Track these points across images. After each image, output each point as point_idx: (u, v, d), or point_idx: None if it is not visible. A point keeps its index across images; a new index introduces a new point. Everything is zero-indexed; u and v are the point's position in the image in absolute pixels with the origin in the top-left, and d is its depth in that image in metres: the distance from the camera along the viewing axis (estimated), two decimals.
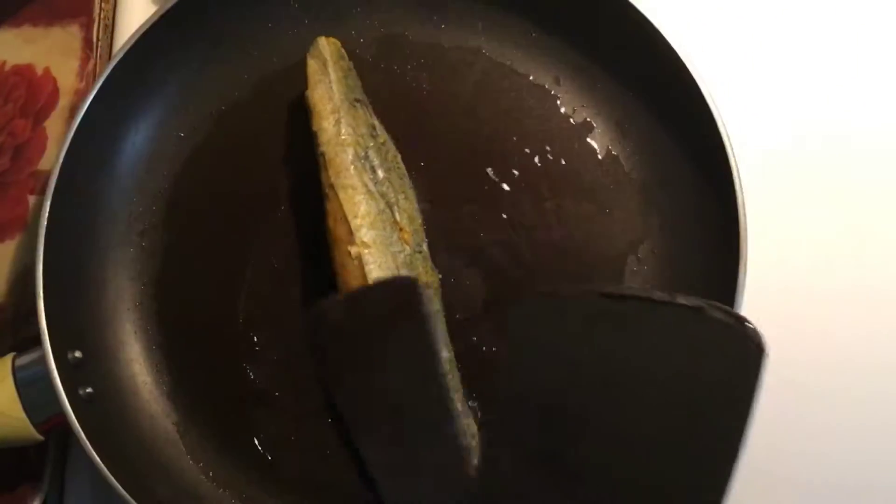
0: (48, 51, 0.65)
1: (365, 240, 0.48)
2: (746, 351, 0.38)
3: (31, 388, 0.51)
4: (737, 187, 0.51)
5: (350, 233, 0.49)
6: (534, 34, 0.59)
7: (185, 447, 0.55)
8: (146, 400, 0.56)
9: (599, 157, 0.58)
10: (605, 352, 0.41)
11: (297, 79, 0.55)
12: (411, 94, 0.59)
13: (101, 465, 0.50)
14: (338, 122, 0.51)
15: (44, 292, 0.52)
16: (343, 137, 0.51)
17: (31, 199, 0.61)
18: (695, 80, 0.52)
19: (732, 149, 0.51)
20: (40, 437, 0.52)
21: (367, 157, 0.51)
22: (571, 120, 0.58)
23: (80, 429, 0.50)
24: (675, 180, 0.56)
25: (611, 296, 0.41)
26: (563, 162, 0.57)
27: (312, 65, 0.55)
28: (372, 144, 0.52)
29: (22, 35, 0.65)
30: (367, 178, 0.50)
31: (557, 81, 0.59)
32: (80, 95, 0.63)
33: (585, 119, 0.58)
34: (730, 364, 0.39)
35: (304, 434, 0.55)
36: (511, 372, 0.44)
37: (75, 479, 0.57)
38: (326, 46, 0.55)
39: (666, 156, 0.56)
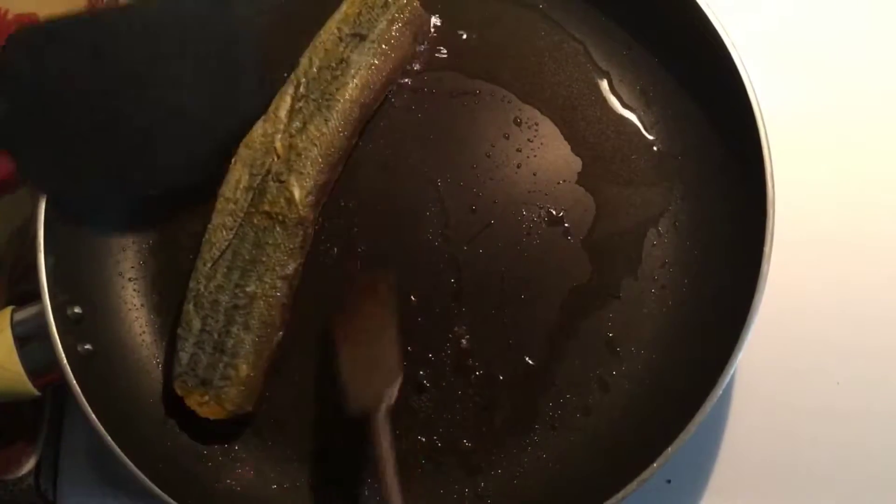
0: None
1: (238, 155, 0.53)
2: None
3: (30, 342, 0.50)
4: (765, 154, 0.49)
5: None
6: None
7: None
8: (146, 358, 0.54)
9: (622, 125, 0.56)
10: None
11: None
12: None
13: (97, 423, 0.48)
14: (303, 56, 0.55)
15: (44, 246, 0.50)
16: (297, 69, 0.55)
17: None
18: (725, 44, 0.51)
19: (762, 114, 0.50)
20: (36, 392, 0.51)
21: (298, 86, 0.54)
22: (595, 85, 0.57)
23: (76, 385, 0.49)
24: (699, 148, 0.54)
25: None
26: (585, 128, 0.56)
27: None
28: (316, 77, 0.54)
29: None
30: (284, 103, 0.54)
31: (584, 45, 0.57)
32: None
33: (610, 85, 0.57)
34: None
35: (302, 400, 0.53)
36: None
37: (71, 437, 0.56)
38: None
39: (691, 123, 0.55)
